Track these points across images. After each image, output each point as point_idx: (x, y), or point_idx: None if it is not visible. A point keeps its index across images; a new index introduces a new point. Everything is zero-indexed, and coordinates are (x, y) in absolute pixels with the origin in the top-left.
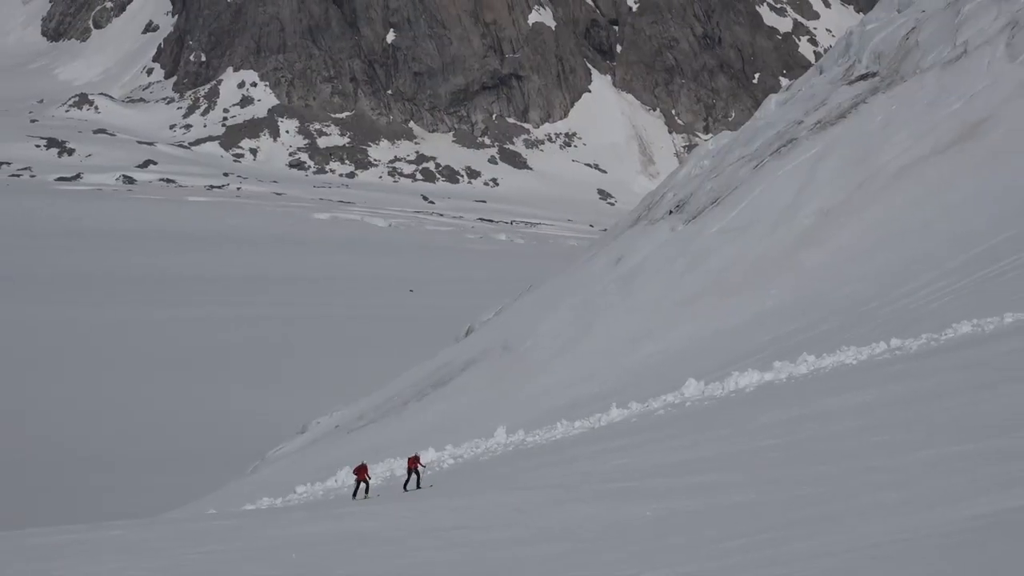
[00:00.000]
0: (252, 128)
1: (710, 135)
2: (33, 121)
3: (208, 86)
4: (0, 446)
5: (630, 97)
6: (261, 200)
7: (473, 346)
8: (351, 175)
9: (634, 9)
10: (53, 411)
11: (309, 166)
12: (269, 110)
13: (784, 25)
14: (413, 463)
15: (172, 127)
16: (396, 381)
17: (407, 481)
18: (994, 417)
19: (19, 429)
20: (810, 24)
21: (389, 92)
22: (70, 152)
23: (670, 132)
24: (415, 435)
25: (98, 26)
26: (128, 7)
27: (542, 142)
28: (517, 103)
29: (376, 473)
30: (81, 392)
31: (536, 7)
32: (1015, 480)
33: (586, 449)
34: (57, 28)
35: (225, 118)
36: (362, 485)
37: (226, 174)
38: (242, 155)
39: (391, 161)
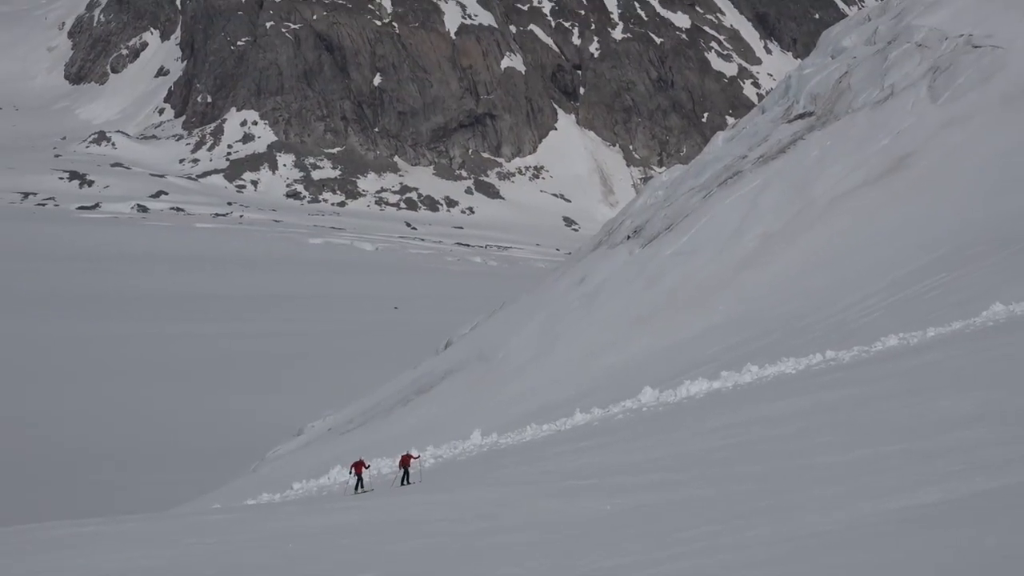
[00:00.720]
0: (253, 162)
1: (664, 168)
2: (57, 156)
3: (214, 124)
4: (22, 447)
5: (592, 134)
6: (261, 227)
7: (452, 357)
8: (342, 204)
9: (595, 55)
10: (71, 415)
11: (304, 196)
12: (268, 146)
13: (730, 70)
14: (405, 461)
15: (181, 161)
16: (382, 388)
17: (402, 477)
18: (920, 420)
19: (40, 431)
20: (753, 69)
21: (376, 130)
22: (90, 184)
23: (628, 165)
24: (400, 437)
25: (115, 71)
26: (142, 54)
27: (513, 174)
28: (491, 139)
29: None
30: (97, 398)
31: (507, 53)
32: (939, 477)
33: (553, 450)
34: (78, 72)
35: (229, 153)
36: (359, 479)
37: (230, 203)
38: (244, 186)
39: (378, 191)
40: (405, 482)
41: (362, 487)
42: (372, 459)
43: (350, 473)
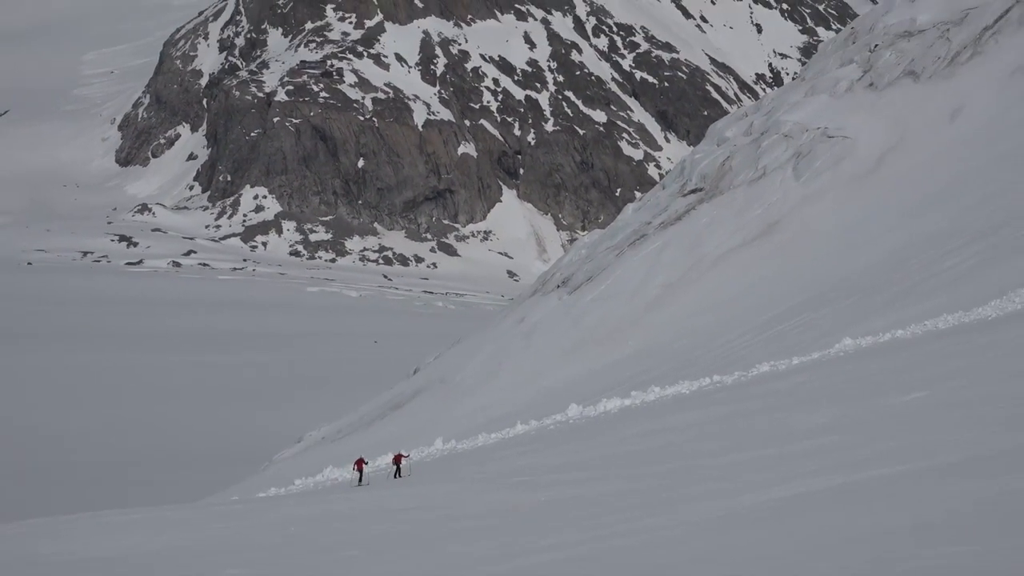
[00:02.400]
0: (263, 227)
1: (586, 232)
2: (109, 223)
3: (232, 198)
4: (80, 451)
5: (529, 205)
6: (270, 278)
7: (419, 380)
8: (333, 260)
9: (532, 143)
10: (120, 426)
11: (304, 254)
12: (275, 215)
13: (637, 155)
14: (397, 459)
15: (207, 227)
16: (365, 405)
17: (395, 472)
18: (786, 429)
19: (94, 439)
20: (656, 154)
21: (360, 202)
22: (135, 244)
23: (558, 230)
24: (379, 443)
25: (155, 156)
26: (176, 143)
27: (467, 237)
28: (450, 209)
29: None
30: (141, 413)
31: (463, 142)
32: (801, 474)
33: (499, 453)
34: (126, 158)
35: (244, 220)
36: (361, 474)
37: (245, 260)
38: (256, 246)
39: (361, 250)
40: (397, 475)
41: (362, 480)
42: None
43: (353, 470)
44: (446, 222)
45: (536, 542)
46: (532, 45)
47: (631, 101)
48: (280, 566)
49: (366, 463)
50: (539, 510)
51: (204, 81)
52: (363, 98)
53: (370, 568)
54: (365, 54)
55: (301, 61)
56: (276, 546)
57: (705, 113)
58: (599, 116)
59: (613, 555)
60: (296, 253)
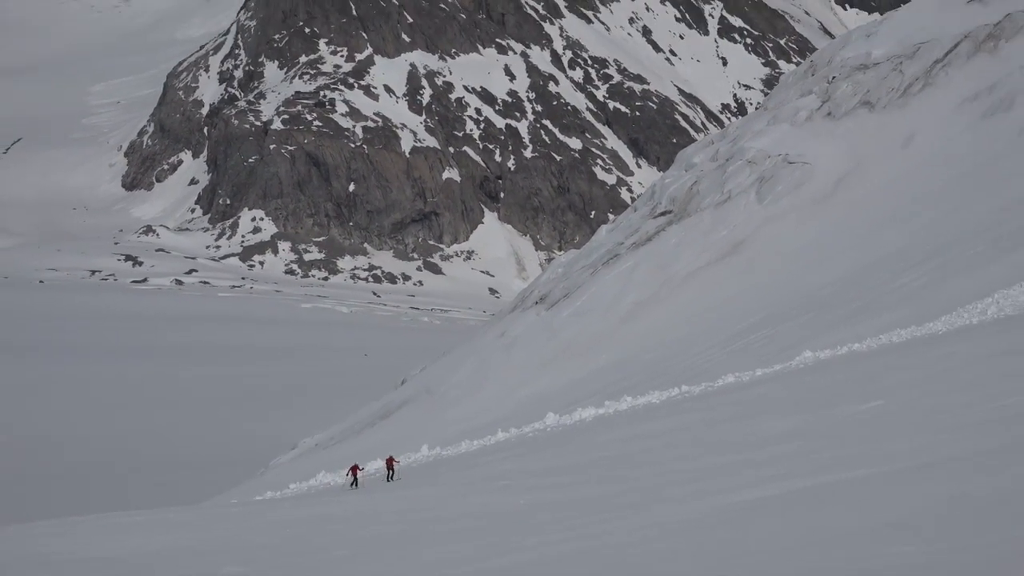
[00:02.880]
0: (260, 248)
1: (562, 252)
2: (116, 243)
3: (231, 220)
4: (87, 457)
5: (510, 227)
6: (266, 295)
7: (406, 391)
8: (326, 278)
9: (512, 169)
10: (123, 433)
11: (298, 272)
12: (272, 236)
13: (611, 180)
14: (390, 462)
15: (207, 247)
16: (356, 414)
17: (388, 475)
18: (750, 437)
19: (99, 445)
20: (628, 179)
21: (351, 224)
22: (140, 264)
23: (536, 250)
24: (369, 450)
25: (158, 181)
26: (178, 168)
27: (451, 257)
28: (435, 231)
29: (342, 474)
30: (143, 421)
31: (447, 167)
32: (764, 479)
33: (481, 459)
34: (131, 182)
35: (243, 241)
36: (355, 478)
37: (243, 278)
38: (254, 265)
39: (352, 269)
40: (390, 479)
41: (356, 485)
42: (347, 466)
43: (347, 474)
44: (431, 243)
45: (517, 542)
46: (512, 77)
47: (605, 129)
48: (276, 565)
49: (361, 469)
50: (520, 512)
51: (205, 111)
52: (354, 126)
53: (361, 567)
54: (356, 85)
55: (296, 92)
56: (272, 546)
57: (674, 141)
58: (575, 143)
59: (590, 555)
60: (291, 272)
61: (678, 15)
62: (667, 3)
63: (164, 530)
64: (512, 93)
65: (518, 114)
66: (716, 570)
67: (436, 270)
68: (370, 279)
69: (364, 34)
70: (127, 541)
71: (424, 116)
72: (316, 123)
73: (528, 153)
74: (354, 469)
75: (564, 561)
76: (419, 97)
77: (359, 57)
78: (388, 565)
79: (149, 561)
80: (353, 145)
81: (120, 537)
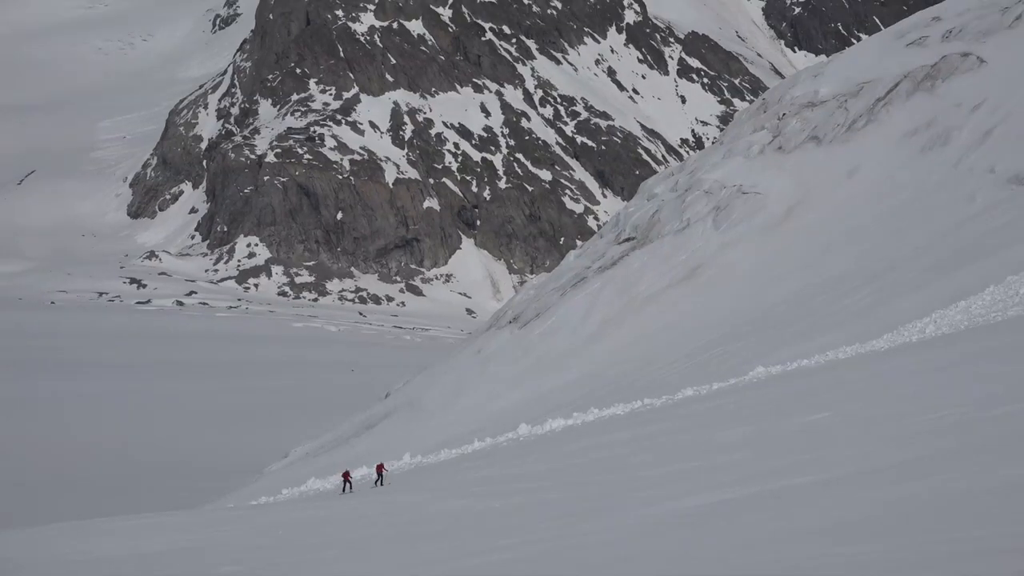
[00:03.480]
0: (255, 271)
1: (534, 275)
2: (121, 267)
3: (228, 246)
4: (96, 463)
5: (485, 252)
6: (261, 315)
7: (390, 403)
8: (315, 300)
9: (488, 199)
10: (129, 442)
11: (290, 294)
12: (266, 260)
13: (579, 208)
14: (379, 469)
15: (206, 271)
16: (344, 424)
17: (375, 481)
18: (706, 445)
19: (111, 453)
20: (595, 208)
21: (339, 249)
22: (144, 286)
23: (509, 273)
24: (356, 458)
25: (161, 210)
26: (179, 198)
27: (432, 280)
28: (417, 256)
29: (338, 479)
30: (145, 433)
31: (428, 197)
32: (719, 484)
33: (459, 466)
34: (136, 211)
35: (239, 265)
36: (347, 483)
37: (239, 299)
38: (249, 288)
39: (340, 291)
40: (379, 484)
41: (350, 489)
42: (336, 472)
43: (341, 480)
44: (413, 266)
45: (492, 543)
46: (487, 114)
47: (573, 162)
48: (270, 564)
49: (350, 476)
50: (494, 515)
51: (204, 145)
52: (341, 159)
53: (350, 566)
54: (343, 122)
55: (288, 128)
56: (267, 547)
57: (637, 172)
58: (545, 175)
59: (556, 556)
60: (284, 293)
61: (640, 57)
62: (630, 45)
63: (166, 532)
64: (487, 128)
65: (493, 148)
66: (673, 569)
67: (417, 292)
68: (356, 300)
69: (351, 74)
70: (132, 542)
71: (406, 150)
72: (307, 156)
73: (502, 184)
74: (346, 475)
75: (533, 561)
76: (402, 132)
77: (346, 95)
78: (374, 564)
79: (153, 559)
80: (341, 177)
81: (125, 539)
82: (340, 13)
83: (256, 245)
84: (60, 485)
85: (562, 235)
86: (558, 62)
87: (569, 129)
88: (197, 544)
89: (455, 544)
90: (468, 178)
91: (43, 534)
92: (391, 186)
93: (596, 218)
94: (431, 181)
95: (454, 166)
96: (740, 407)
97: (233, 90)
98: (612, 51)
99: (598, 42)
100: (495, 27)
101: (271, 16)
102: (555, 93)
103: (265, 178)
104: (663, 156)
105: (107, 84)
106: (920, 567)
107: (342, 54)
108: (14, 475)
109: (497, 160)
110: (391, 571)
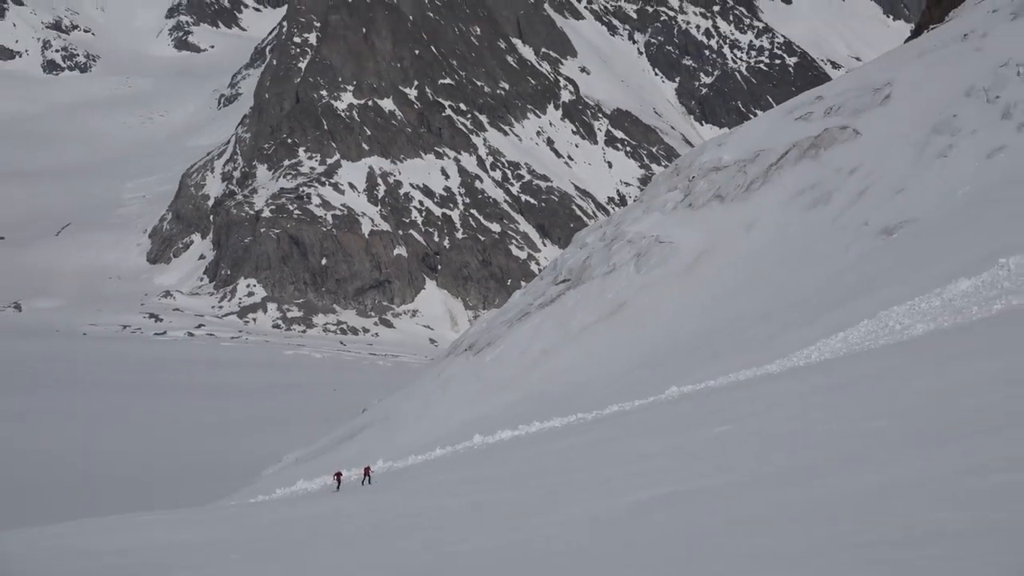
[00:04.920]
0: (254, 308)
1: (486, 311)
2: (142, 304)
3: (231, 286)
4: (112, 468)
5: (446, 292)
6: (258, 344)
7: (367, 417)
8: (304, 331)
9: (447, 247)
10: (143, 451)
11: (283, 327)
12: (262, 298)
13: (523, 255)
14: (367, 470)
15: (213, 307)
16: (328, 435)
17: (362, 481)
18: (627, 454)
19: (124, 460)
20: (536, 255)
21: (323, 289)
22: (160, 320)
23: (466, 309)
24: (340, 462)
25: (175, 257)
26: (190, 247)
27: (401, 315)
28: (388, 294)
29: (324, 480)
30: (159, 443)
31: (397, 246)
32: (636, 487)
33: (427, 470)
34: (154, 258)
35: (240, 303)
36: (336, 483)
37: (240, 331)
38: (248, 321)
39: (324, 325)
40: (365, 483)
41: (339, 488)
42: (321, 475)
43: (332, 479)
44: (385, 304)
45: (457, 538)
46: (447, 176)
47: (518, 217)
48: (271, 554)
49: (341, 475)
50: (464, 512)
51: (211, 202)
52: (325, 215)
53: (336, 553)
54: (327, 183)
55: (281, 188)
56: (265, 539)
57: (571, 225)
58: (495, 227)
59: (524, 544)
60: (277, 326)
61: (574, 129)
62: (566, 120)
63: (178, 526)
64: (447, 188)
65: (452, 205)
66: (607, 559)
67: (389, 324)
68: (338, 332)
69: (333, 143)
70: (148, 535)
71: (379, 206)
72: (296, 212)
73: (459, 235)
74: (338, 475)
75: (502, 549)
76: (376, 192)
77: (329, 161)
78: (363, 553)
79: (167, 550)
80: (325, 229)
81: (143, 532)
82: (324, 93)
83: (254, 286)
84: (76, 487)
85: (509, 277)
86: (506, 133)
87: (515, 189)
88: (205, 537)
89: (431, 535)
90: (431, 230)
91: (63, 530)
92: (367, 237)
93: (537, 263)
94: (400, 232)
95: (419, 220)
96: (657, 420)
97: (235, 157)
98: (551, 124)
99: (539, 117)
100: (453, 104)
101: (267, 95)
102: (503, 159)
103: (262, 230)
104: (593, 211)
105: (131, 152)
106: (806, 556)
107: (326, 127)
108: (37, 479)
109: (455, 215)
110: (379, 559)
